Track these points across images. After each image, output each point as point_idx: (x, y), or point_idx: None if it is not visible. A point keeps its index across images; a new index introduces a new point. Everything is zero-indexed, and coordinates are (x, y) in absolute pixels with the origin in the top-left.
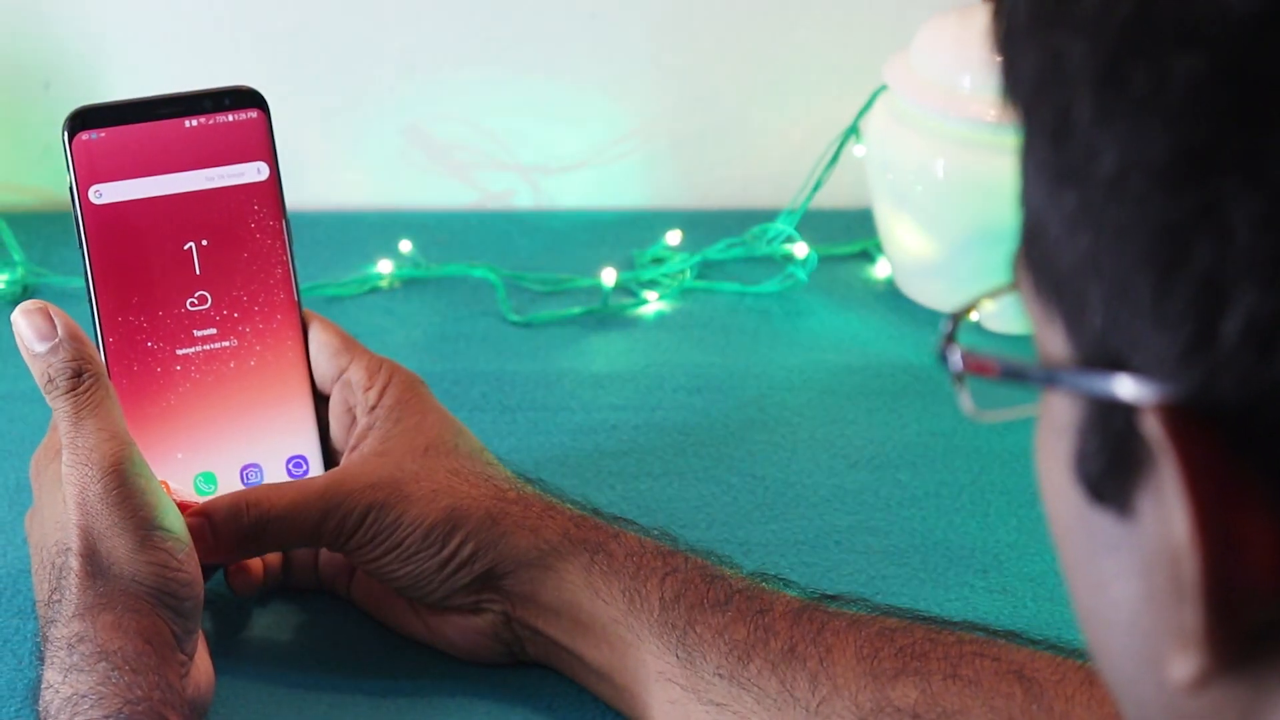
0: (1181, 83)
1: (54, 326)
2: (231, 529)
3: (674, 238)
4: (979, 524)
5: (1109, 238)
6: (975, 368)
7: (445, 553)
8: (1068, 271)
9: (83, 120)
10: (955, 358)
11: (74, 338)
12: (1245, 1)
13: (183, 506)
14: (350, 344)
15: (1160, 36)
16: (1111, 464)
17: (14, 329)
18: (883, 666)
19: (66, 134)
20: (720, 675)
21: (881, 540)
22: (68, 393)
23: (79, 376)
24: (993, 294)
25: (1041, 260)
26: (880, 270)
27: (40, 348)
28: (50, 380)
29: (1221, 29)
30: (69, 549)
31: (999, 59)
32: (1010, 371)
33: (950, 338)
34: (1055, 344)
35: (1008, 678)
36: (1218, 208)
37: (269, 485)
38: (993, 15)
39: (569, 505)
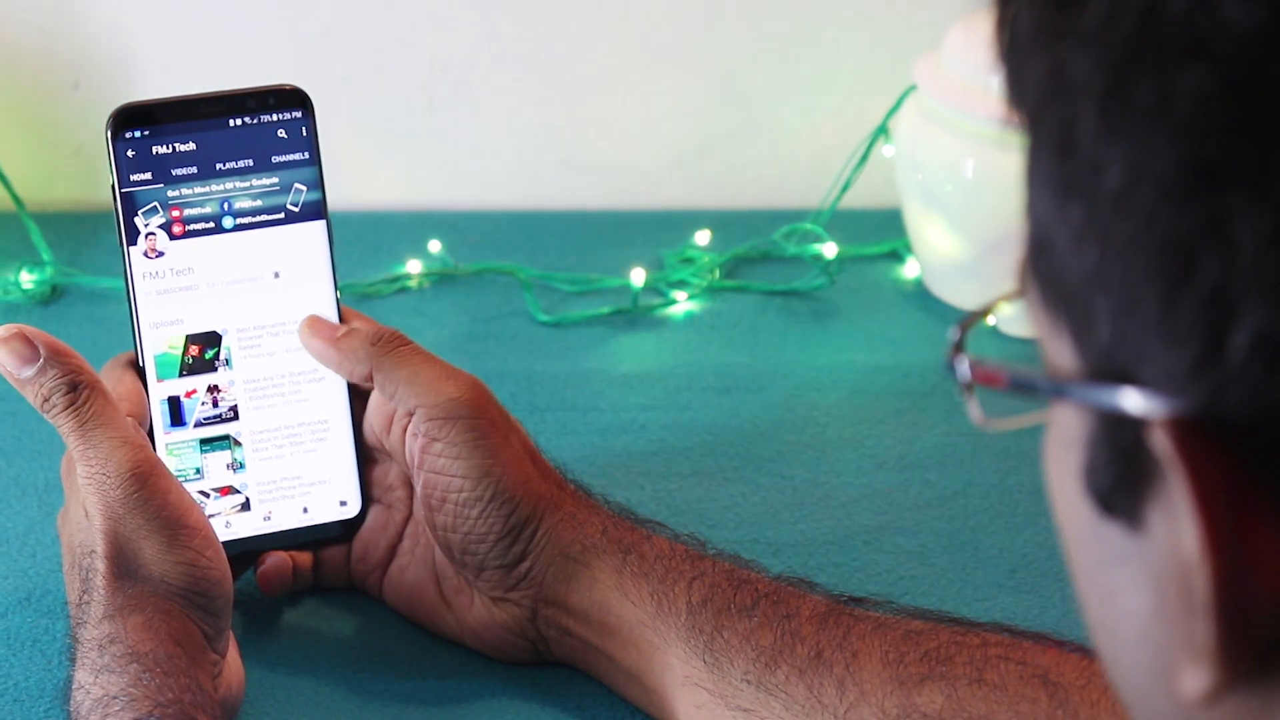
0: (1187, 97)
1: (34, 348)
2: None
3: (703, 238)
4: (1006, 524)
5: (1115, 251)
6: (983, 378)
7: (513, 519)
8: (1075, 284)
9: (126, 119)
10: (963, 368)
11: (58, 353)
12: (1250, 16)
13: None
14: None
15: (1165, 50)
16: (1121, 477)
17: None
18: (908, 671)
19: (109, 133)
20: (748, 681)
21: (910, 540)
22: (67, 409)
23: (75, 390)
24: (999, 303)
25: (1048, 272)
26: (909, 270)
27: (27, 371)
28: (46, 400)
29: (1226, 43)
30: (94, 552)
31: (1003, 70)
32: (1018, 383)
33: (959, 347)
34: (1063, 355)
35: (1033, 682)
36: (1224, 222)
37: None
38: (996, 26)
39: (606, 505)
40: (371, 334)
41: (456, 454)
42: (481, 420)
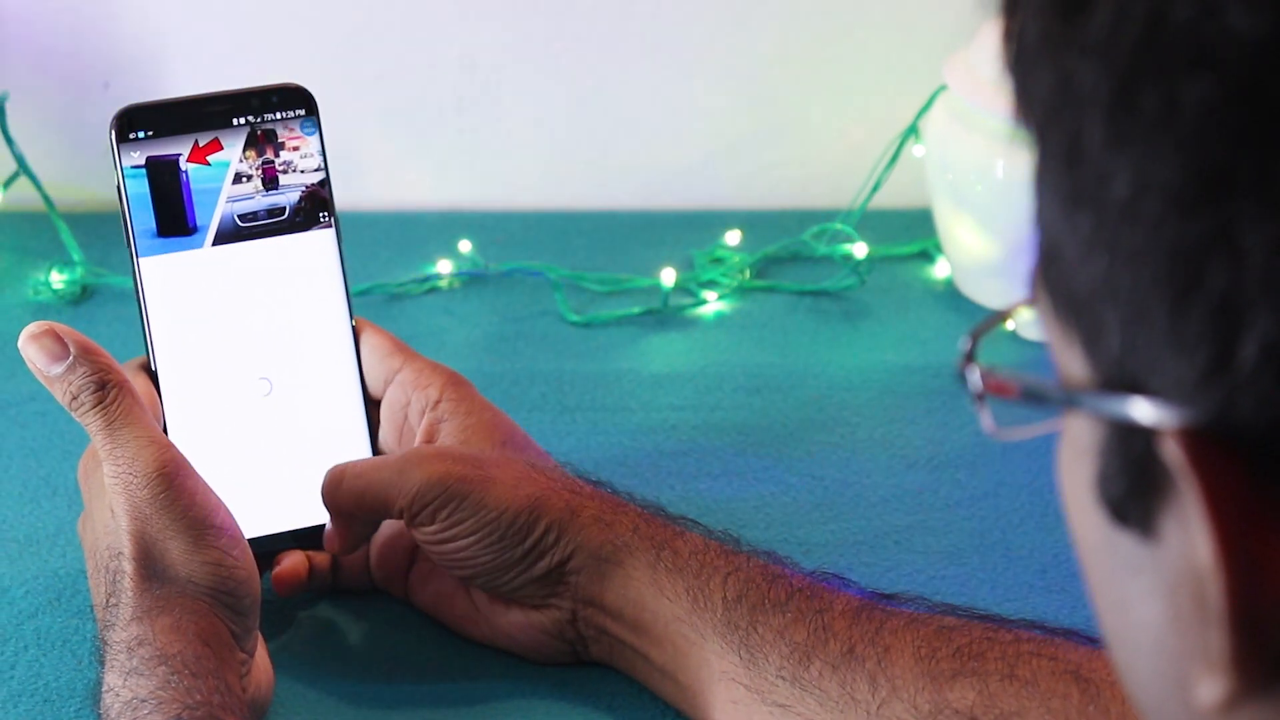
0: (1193, 106)
1: (65, 345)
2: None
3: (733, 238)
4: (1037, 524)
5: (1124, 261)
6: (995, 388)
7: (529, 541)
8: (1084, 294)
9: (130, 120)
10: (974, 378)
11: (88, 351)
12: (1254, 25)
13: None
14: (401, 347)
15: (1170, 60)
16: (1133, 487)
17: (23, 356)
18: (940, 667)
19: (114, 135)
20: (782, 677)
21: (940, 540)
22: (95, 407)
23: (104, 388)
24: (1011, 312)
25: (1058, 282)
26: (939, 270)
27: (56, 369)
28: (74, 398)
29: (1231, 52)
30: (121, 553)
31: (1011, 80)
32: (1030, 393)
33: (970, 357)
34: (1074, 365)
35: (1064, 678)
36: (1231, 231)
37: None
38: (1002, 37)
39: (636, 503)
40: (329, 477)
41: (449, 525)
42: (456, 486)
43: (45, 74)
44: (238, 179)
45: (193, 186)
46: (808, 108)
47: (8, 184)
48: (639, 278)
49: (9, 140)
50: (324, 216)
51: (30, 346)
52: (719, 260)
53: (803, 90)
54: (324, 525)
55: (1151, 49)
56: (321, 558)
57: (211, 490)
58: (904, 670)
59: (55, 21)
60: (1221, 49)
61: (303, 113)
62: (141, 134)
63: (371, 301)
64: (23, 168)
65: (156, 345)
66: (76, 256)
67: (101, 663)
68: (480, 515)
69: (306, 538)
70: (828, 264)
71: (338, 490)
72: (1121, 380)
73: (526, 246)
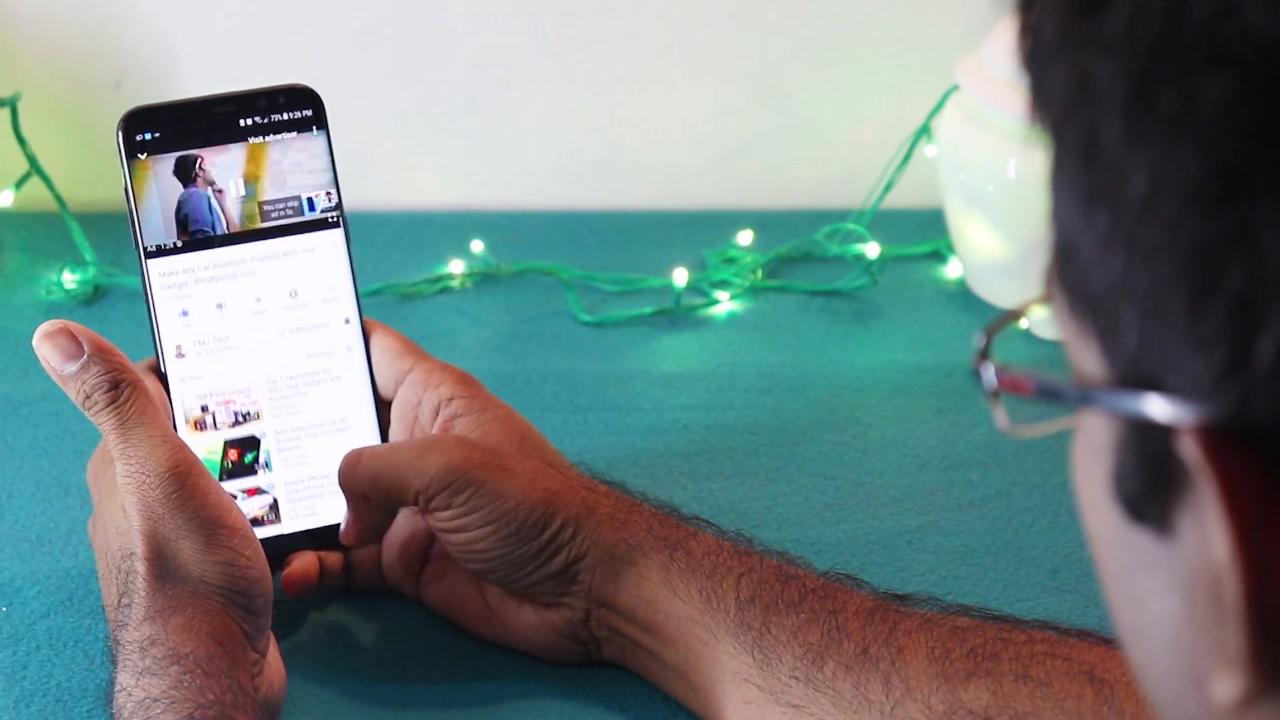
0: (1210, 104)
1: (79, 344)
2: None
3: (745, 238)
4: (1049, 524)
5: (1141, 259)
6: (1009, 385)
7: (545, 536)
8: (1101, 291)
9: (137, 122)
10: (989, 374)
11: (102, 350)
12: (1273, 22)
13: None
14: (412, 348)
15: (1188, 58)
16: (1149, 484)
17: (38, 354)
18: (954, 668)
19: (121, 137)
20: (796, 677)
21: (952, 540)
22: (108, 406)
23: (117, 388)
24: (1025, 310)
25: (1074, 279)
26: (951, 270)
27: (70, 367)
28: (88, 397)
29: (1249, 50)
30: (133, 554)
31: (1026, 77)
32: (1045, 390)
33: (984, 354)
34: (1090, 362)
35: (1079, 679)
36: (1249, 229)
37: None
38: (1019, 32)
39: (650, 504)
40: (346, 459)
41: (465, 513)
42: (475, 473)
43: (57, 74)
44: (245, 179)
45: (200, 188)
46: (819, 107)
47: (20, 184)
48: (651, 278)
49: (21, 140)
50: (332, 217)
51: (44, 345)
52: (731, 260)
53: (814, 90)
54: (335, 525)
55: (1169, 47)
56: (333, 558)
57: (224, 490)
58: (918, 671)
59: (67, 22)
60: (1239, 47)
61: (309, 113)
62: (149, 135)
63: (383, 302)
64: (35, 168)
65: (165, 347)
66: (88, 256)
67: (114, 662)
68: (497, 504)
69: (318, 538)
70: (840, 264)
71: (355, 471)
72: (1138, 377)
73: (538, 246)
